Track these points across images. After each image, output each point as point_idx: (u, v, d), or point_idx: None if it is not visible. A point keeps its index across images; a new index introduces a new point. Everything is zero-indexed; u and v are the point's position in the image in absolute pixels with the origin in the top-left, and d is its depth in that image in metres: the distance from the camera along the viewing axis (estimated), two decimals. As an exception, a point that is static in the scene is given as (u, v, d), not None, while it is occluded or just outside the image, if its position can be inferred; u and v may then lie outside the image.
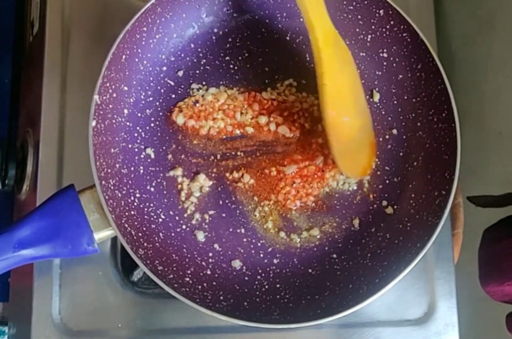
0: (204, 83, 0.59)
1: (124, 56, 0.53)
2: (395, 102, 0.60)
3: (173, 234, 0.55)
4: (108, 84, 0.52)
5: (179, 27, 0.58)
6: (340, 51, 0.55)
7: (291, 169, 0.57)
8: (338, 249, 0.57)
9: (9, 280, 0.71)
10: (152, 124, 0.57)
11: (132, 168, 0.55)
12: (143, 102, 0.57)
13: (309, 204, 0.58)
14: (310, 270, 0.56)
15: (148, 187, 0.56)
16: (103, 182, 0.50)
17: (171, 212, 0.56)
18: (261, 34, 0.60)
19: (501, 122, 0.68)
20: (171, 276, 0.52)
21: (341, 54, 0.55)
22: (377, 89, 0.60)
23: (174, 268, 0.53)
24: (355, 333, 0.60)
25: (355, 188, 0.58)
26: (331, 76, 0.54)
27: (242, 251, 0.56)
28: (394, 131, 0.60)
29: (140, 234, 0.53)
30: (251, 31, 0.60)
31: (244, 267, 0.56)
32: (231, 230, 0.56)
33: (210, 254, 0.55)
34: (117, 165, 0.54)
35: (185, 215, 0.56)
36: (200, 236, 0.56)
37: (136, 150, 0.56)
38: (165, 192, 0.56)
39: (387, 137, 0.60)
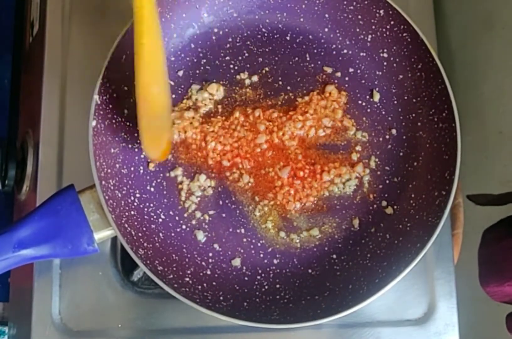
0: (204, 83, 0.59)
1: (124, 56, 0.53)
2: (395, 102, 0.60)
3: (173, 234, 0.55)
4: (108, 84, 0.52)
5: (179, 27, 0.58)
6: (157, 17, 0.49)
7: (285, 172, 0.57)
8: (338, 249, 0.57)
9: (9, 280, 0.71)
10: (152, 124, 0.57)
11: (132, 168, 0.55)
12: (143, 102, 0.57)
13: (308, 205, 0.58)
14: (310, 271, 0.56)
15: (148, 187, 0.56)
16: (103, 182, 0.50)
17: (171, 212, 0.56)
18: (261, 34, 0.61)
19: (501, 121, 0.68)
20: (171, 276, 0.52)
21: (156, 21, 0.49)
22: (377, 89, 0.60)
23: (174, 268, 0.53)
24: (355, 333, 0.60)
25: (355, 188, 0.58)
26: (150, 37, 0.48)
27: (242, 251, 0.56)
28: (394, 131, 0.59)
29: (140, 234, 0.53)
30: (251, 31, 0.60)
31: (244, 267, 0.56)
32: (231, 230, 0.56)
33: (210, 254, 0.55)
34: (117, 165, 0.54)
35: (185, 215, 0.56)
36: (200, 236, 0.56)
37: (136, 150, 0.56)
38: (165, 192, 0.56)
39: (387, 137, 0.60)
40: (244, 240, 0.56)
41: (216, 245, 0.56)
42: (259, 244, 0.56)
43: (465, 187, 0.68)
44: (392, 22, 0.58)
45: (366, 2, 0.58)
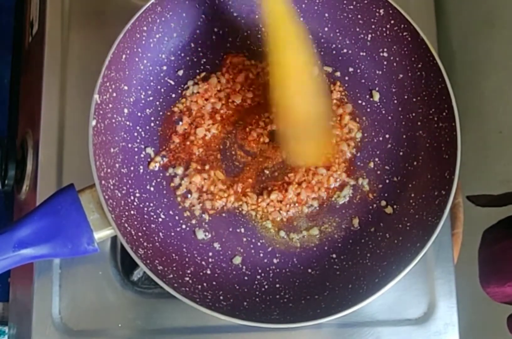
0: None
1: (124, 56, 0.53)
2: (395, 101, 0.60)
3: (173, 234, 0.55)
4: (108, 84, 0.52)
5: (179, 27, 0.58)
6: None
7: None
8: (338, 249, 0.57)
9: (9, 280, 0.71)
10: (152, 124, 0.57)
11: (132, 168, 0.55)
12: (143, 101, 0.57)
13: (308, 204, 0.57)
14: (309, 270, 0.56)
15: (148, 187, 0.56)
16: (103, 182, 0.50)
17: (171, 212, 0.56)
18: (261, 34, 0.60)
19: (501, 121, 0.68)
20: (171, 275, 0.52)
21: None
22: (377, 88, 0.60)
23: (174, 268, 0.53)
24: (355, 333, 0.60)
25: (354, 188, 0.58)
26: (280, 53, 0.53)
27: (242, 250, 0.56)
28: (394, 131, 0.59)
29: (140, 234, 0.53)
30: (251, 31, 0.60)
31: (244, 267, 0.56)
32: (231, 229, 0.56)
33: (210, 254, 0.55)
34: (117, 165, 0.54)
35: (185, 214, 0.56)
36: (200, 235, 0.56)
37: (136, 149, 0.56)
38: (164, 191, 0.56)
39: (387, 136, 0.60)
40: (244, 239, 0.56)
41: (216, 245, 0.56)
42: (259, 244, 0.56)
43: (465, 187, 0.68)
44: (392, 21, 0.58)
45: (366, 2, 0.58)
